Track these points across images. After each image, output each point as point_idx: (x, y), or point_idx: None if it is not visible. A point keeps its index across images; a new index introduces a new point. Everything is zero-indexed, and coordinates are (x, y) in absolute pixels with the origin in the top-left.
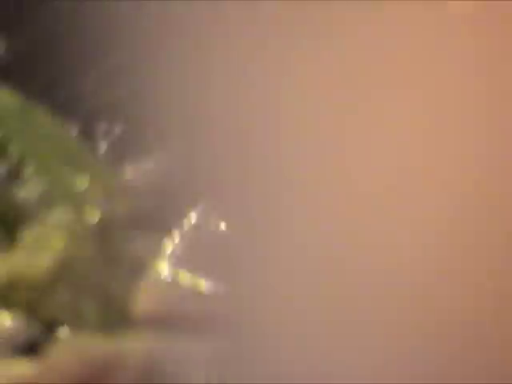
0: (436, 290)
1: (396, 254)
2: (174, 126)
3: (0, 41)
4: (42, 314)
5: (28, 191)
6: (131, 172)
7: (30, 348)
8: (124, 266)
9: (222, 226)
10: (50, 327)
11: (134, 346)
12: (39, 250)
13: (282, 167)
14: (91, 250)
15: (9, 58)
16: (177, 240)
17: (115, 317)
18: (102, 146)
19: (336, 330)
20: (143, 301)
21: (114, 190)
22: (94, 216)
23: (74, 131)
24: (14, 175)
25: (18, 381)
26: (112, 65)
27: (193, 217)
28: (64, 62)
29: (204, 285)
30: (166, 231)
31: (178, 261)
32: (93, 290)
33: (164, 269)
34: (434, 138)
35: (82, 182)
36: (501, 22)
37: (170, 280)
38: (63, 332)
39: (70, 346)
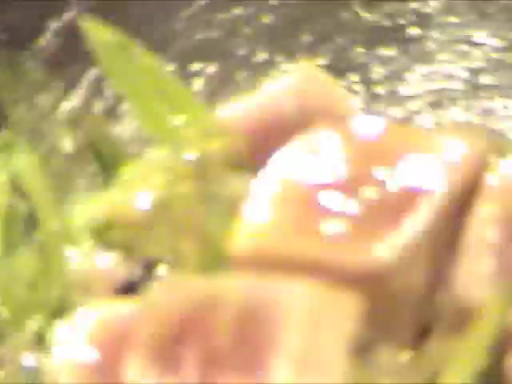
0: None
1: None
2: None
3: None
4: (140, 254)
5: (126, 129)
6: (226, 111)
7: (130, 288)
8: (221, 206)
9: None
10: (148, 267)
11: (231, 286)
12: (138, 189)
13: None
14: (189, 189)
15: None
16: (267, 182)
17: (213, 256)
18: (197, 85)
19: None
20: (239, 243)
21: (211, 129)
22: (191, 154)
23: (169, 70)
24: (112, 112)
25: (119, 321)
26: (206, 3)
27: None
28: (159, 0)
29: None
30: (259, 173)
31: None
32: (191, 229)
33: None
34: None
35: (180, 120)
36: None
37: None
38: (162, 272)
39: (169, 285)
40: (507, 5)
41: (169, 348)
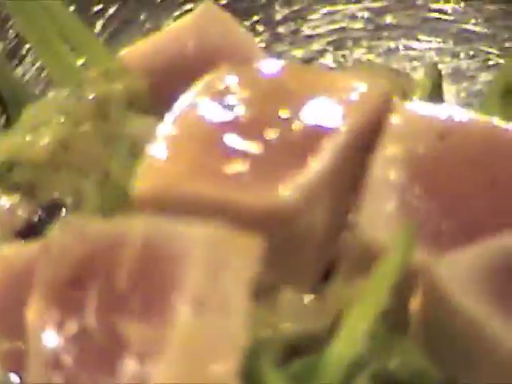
0: None
1: None
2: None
3: None
4: (42, 196)
5: (28, 70)
6: (128, 52)
7: (31, 231)
8: (122, 147)
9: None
10: (50, 209)
11: (133, 227)
12: (39, 130)
13: None
14: (90, 130)
15: None
16: (170, 123)
17: (115, 197)
18: (99, 26)
19: None
20: (141, 183)
21: (112, 70)
22: (92, 95)
23: (71, 11)
24: (13, 53)
25: (20, 263)
26: None
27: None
28: None
29: None
30: (161, 114)
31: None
32: (92, 170)
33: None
34: None
35: (82, 61)
36: None
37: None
38: (64, 214)
39: (71, 226)
40: None
41: (69, 291)
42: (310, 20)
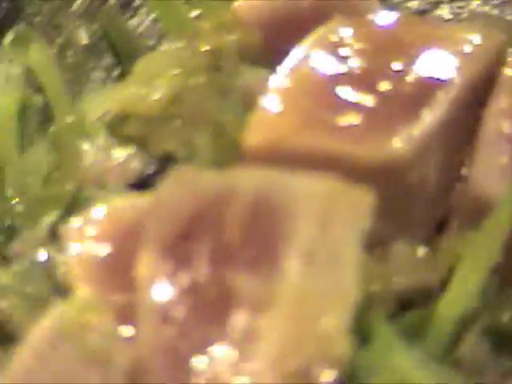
0: None
1: None
2: None
3: None
4: (155, 148)
5: (141, 21)
6: (241, 5)
7: (144, 182)
8: (235, 99)
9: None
10: (163, 162)
11: (244, 179)
12: (152, 82)
13: None
14: (203, 82)
15: None
16: (283, 75)
17: (227, 150)
18: None
19: None
20: (253, 135)
21: (225, 22)
22: (205, 47)
23: None
24: (127, 5)
25: (132, 215)
26: None
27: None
28: None
29: None
30: (274, 66)
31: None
32: (205, 123)
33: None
34: None
35: (195, 13)
36: None
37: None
38: (176, 166)
39: (181, 179)
40: None
41: (179, 244)
42: None
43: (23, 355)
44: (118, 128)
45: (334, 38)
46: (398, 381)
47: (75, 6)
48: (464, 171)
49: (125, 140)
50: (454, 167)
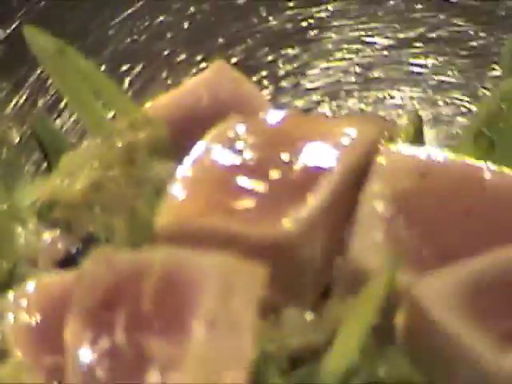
0: None
1: None
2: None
3: None
4: (78, 231)
5: (66, 122)
6: (152, 105)
7: (70, 261)
8: (147, 188)
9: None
10: (86, 242)
11: (154, 257)
12: (75, 174)
13: None
14: (119, 173)
15: (47, 6)
16: (188, 166)
17: (141, 232)
18: (126, 83)
19: None
20: (163, 218)
21: (138, 121)
22: (121, 143)
23: (102, 70)
24: (53, 107)
25: (59, 290)
26: (133, 12)
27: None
28: (92, 11)
29: None
30: (180, 159)
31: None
32: (122, 209)
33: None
34: None
35: (111, 113)
36: None
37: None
38: (97, 246)
39: (101, 257)
40: (394, 8)
41: (100, 313)
42: (309, 75)
43: None
44: (47, 214)
45: (230, 134)
46: None
47: (8, 109)
48: (345, 246)
49: (52, 224)
50: (336, 242)
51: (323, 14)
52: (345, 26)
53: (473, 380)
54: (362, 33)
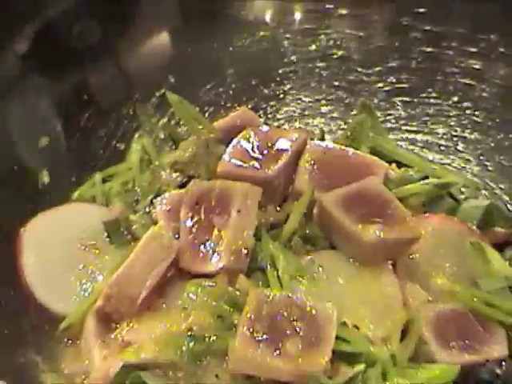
0: None
1: None
2: None
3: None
4: (187, 173)
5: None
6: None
7: (183, 185)
8: (213, 156)
9: None
10: (189, 178)
11: (217, 183)
12: (186, 150)
13: None
14: (203, 151)
15: None
16: None
17: (211, 173)
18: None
19: None
20: (219, 168)
21: (209, 130)
22: (203, 138)
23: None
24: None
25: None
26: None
27: None
28: None
29: None
30: (228, 145)
31: None
32: (203, 164)
33: None
34: None
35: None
36: None
37: None
38: (194, 179)
39: (196, 182)
40: None
41: (194, 206)
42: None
43: None
44: (174, 166)
45: (249, 134)
46: None
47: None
48: (293, 182)
49: (176, 170)
50: (289, 179)
51: None
52: None
53: (350, 244)
54: None
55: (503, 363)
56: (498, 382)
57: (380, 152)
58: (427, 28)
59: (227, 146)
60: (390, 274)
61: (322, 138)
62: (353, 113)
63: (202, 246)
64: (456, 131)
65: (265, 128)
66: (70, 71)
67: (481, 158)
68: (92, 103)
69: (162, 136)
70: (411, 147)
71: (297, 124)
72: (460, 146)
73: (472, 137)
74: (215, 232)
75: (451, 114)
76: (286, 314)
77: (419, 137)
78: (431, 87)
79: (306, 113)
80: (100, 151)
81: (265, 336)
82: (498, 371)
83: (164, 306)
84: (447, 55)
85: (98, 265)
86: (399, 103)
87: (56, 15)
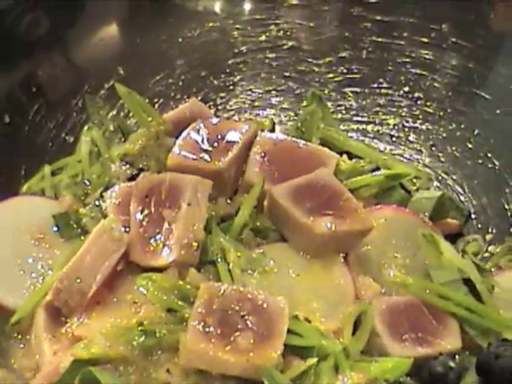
0: None
1: None
2: None
3: None
4: (137, 165)
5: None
6: (165, 116)
7: (133, 178)
8: (164, 148)
9: None
10: (139, 170)
11: (167, 176)
12: (135, 142)
13: None
14: (153, 143)
15: None
16: None
17: (161, 166)
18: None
19: None
20: (170, 161)
21: (160, 122)
22: (153, 130)
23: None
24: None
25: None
26: None
27: None
28: None
29: None
30: (177, 137)
31: None
32: (154, 156)
33: None
34: None
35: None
36: None
37: None
38: (143, 172)
39: (145, 175)
40: None
41: (144, 199)
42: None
43: None
44: (125, 158)
45: (199, 126)
46: None
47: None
48: (243, 174)
49: (126, 163)
50: (239, 171)
51: None
52: None
53: (301, 236)
54: None
55: (456, 356)
56: (452, 374)
57: (331, 143)
58: (378, 18)
59: (177, 138)
60: (341, 267)
61: (273, 130)
62: (303, 104)
63: (153, 240)
64: (407, 122)
65: (215, 120)
66: (19, 63)
67: (432, 148)
68: (41, 95)
69: (112, 128)
70: (362, 138)
71: (247, 115)
72: (411, 137)
73: (423, 127)
74: (165, 225)
75: (402, 105)
76: (237, 307)
77: (370, 127)
78: (382, 78)
79: (256, 104)
80: (49, 143)
81: (216, 330)
82: (452, 364)
83: (114, 300)
84: (398, 45)
85: (48, 259)
86: (350, 94)
87: (4, 6)
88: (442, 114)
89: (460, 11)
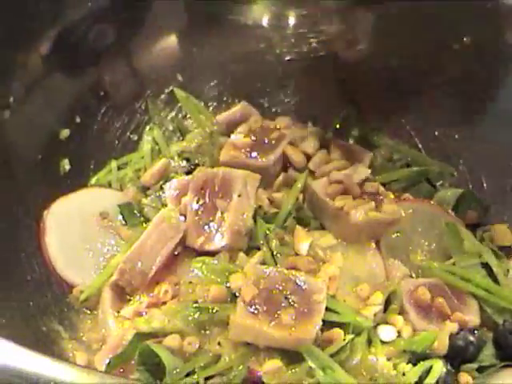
0: None
1: None
2: None
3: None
4: (192, 162)
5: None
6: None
7: (189, 172)
8: (215, 147)
9: None
10: (194, 166)
11: (220, 170)
12: (192, 141)
13: None
14: (208, 141)
15: None
16: None
17: (215, 161)
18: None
19: None
20: (222, 157)
21: (213, 123)
22: (208, 130)
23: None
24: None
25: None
26: None
27: None
28: None
29: None
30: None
31: None
32: (207, 153)
33: None
34: None
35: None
36: None
37: None
38: (199, 166)
39: (201, 169)
40: None
41: (199, 191)
42: None
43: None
44: (182, 155)
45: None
46: None
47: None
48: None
49: (183, 159)
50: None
51: None
52: None
53: (338, 225)
54: None
55: (475, 331)
56: (472, 347)
57: (365, 141)
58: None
59: (229, 137)
60: (374, 252)
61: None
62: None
63: (206, 227)
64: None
65: (262, 121)
66: (88, 70)
67: (455, 146)
68: (108, 99)
69: (171, 128)
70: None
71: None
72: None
73: (447, 127)
74: (218, 214)
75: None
76: (280, 287)
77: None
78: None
79: (298, 108)
80: (115, 141)
81: (262, 307)
82: (472, 338)
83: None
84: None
85: (114, 244)
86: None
87: (75, 20)
88: (464, 116)
89: None
